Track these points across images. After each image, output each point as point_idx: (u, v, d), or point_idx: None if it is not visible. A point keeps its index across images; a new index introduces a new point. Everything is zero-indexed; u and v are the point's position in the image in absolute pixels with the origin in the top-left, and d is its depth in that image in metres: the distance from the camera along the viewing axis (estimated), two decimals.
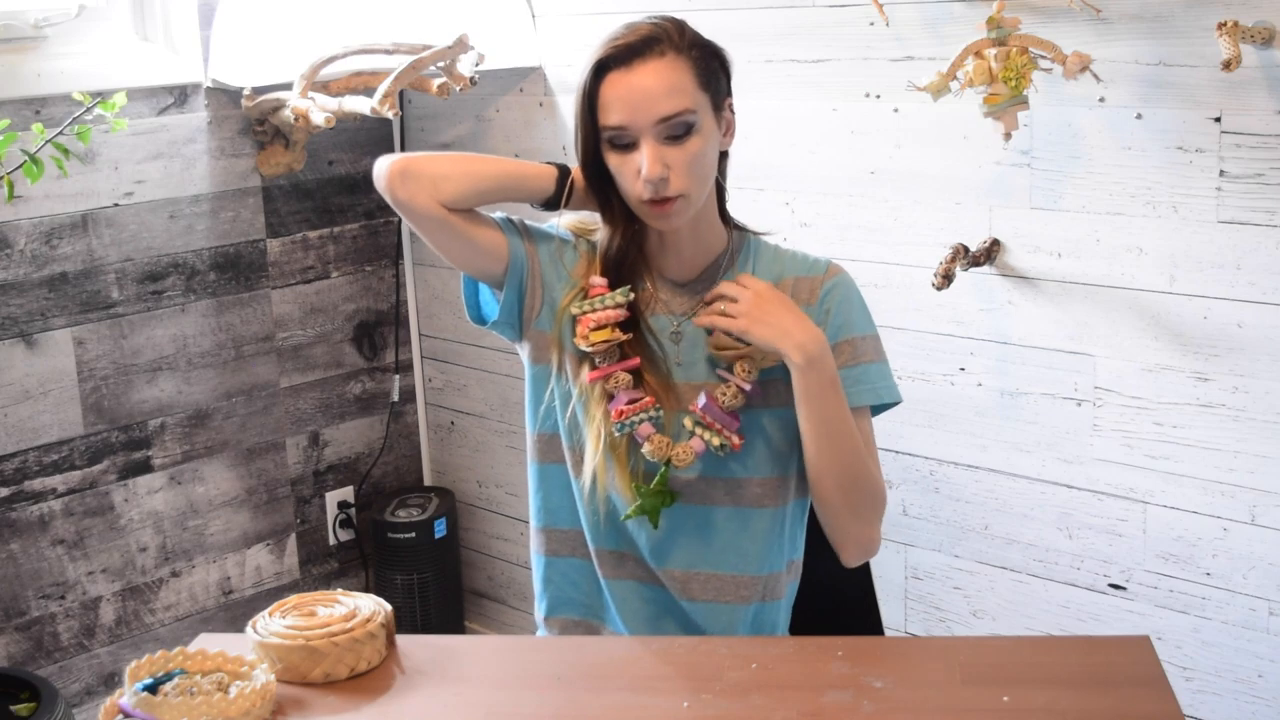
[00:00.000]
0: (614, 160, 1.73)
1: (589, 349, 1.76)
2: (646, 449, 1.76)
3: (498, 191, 1.80)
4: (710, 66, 1.74)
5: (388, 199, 1.79)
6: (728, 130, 1.79)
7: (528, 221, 1.88)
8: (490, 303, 1.88)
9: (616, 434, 1.76)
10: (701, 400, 1.75)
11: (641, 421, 1.76)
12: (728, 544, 1.82)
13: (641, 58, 1.69)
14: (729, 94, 1.78)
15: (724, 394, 1.75)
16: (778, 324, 1.70)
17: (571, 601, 1.89)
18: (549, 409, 1.84)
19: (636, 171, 1.70)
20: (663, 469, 1.77)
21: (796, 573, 1.89)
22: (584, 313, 1.77)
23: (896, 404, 1.82)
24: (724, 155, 1.82)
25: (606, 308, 1.76)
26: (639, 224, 1.79)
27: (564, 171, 1.82)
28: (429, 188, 1.76)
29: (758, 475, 1.80)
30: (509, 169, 1.84)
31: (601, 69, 1.70)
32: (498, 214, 1.87)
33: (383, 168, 1.78)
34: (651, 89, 1.68)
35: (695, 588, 1.82)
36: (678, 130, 1.70)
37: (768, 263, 1.83)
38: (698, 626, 1.83)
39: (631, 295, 1.78)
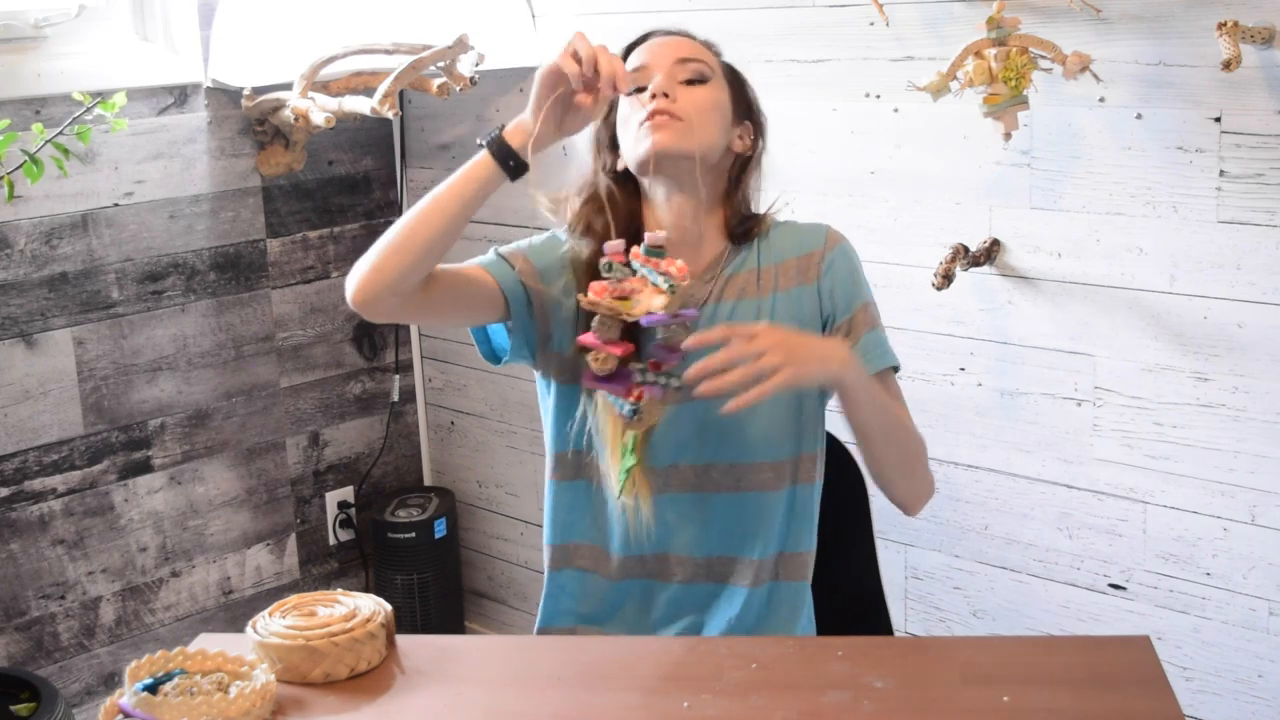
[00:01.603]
0: (625, 107, 1.80)
1: (602, 310, 1.62)
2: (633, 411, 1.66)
3: (451, 218, 1.68)
4: (738, 80, 1.88)
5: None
6: (742, 136, 1.86)
7: (519, 245, 1.86)
8: (499, 334, 1.88)
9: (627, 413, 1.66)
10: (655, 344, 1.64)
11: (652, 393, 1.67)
12: (733, 528, 1.83)
13: (680, 35, 1.84)
14: (749, 115, 1.87)
15: (666, 336, 1.63)
16: (815, 356, 1.64)
17: (571, 613, 1.90)
18: (579, 427, 1.83)
19: (645, 102, 1.76)
20: (634, 437, 1.71)
21: (809, 563, 1.89)
22: (616, 278, 1.62)
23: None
24: (746, 167, 1.87)
25: (635, 277, 1.63)
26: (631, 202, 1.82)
27: (495, 144, 1.68)
28: (394, 294, 1.68)
29: (755, 460, 1.81)
30: (442, 195, 1.69)
31: (641, 40, 1.85)
32: (485, 256, 1.84)
33: (349, 296, 1.72)
34: (679, 42, 1.83)
35: (723, 572, 1.84)
36: (693, 76, 1.80)
37: (767, 254, 1.85)
38: (714, 611, 1.84)
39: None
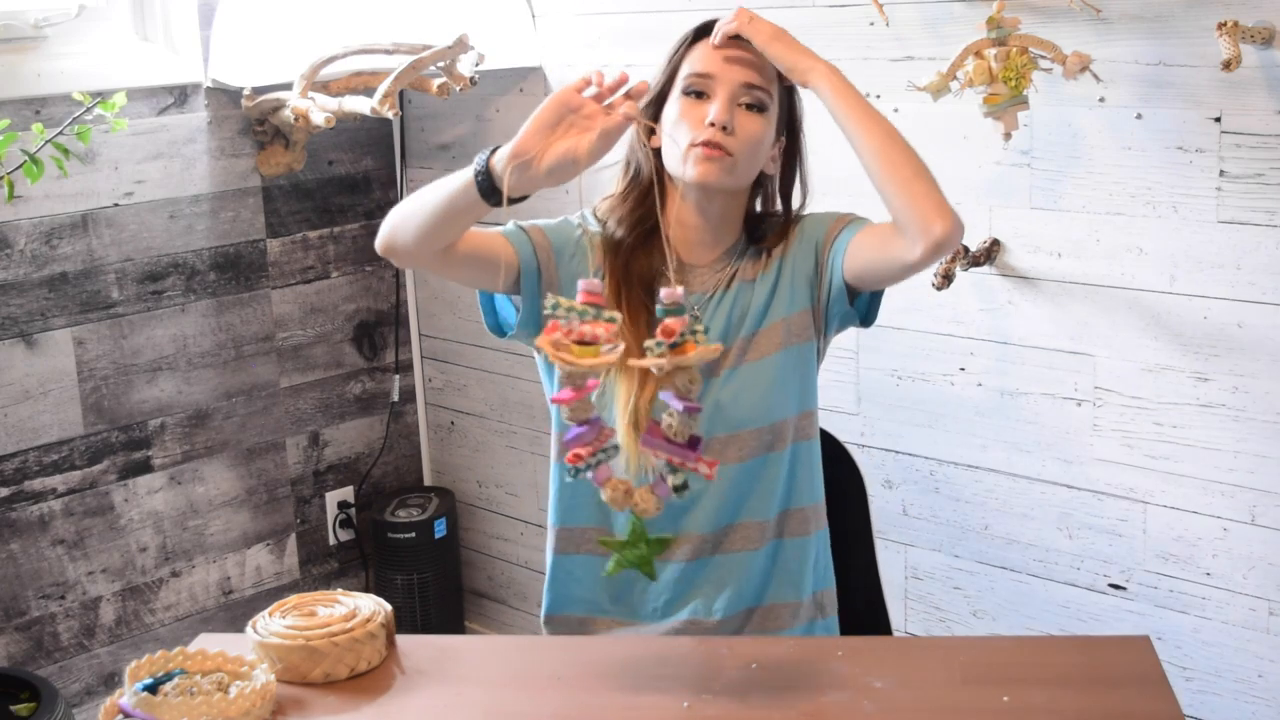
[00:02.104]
0: (679, 105, 1.78)
1: (566, 367, 1.43)
2: (605, 495, 1.50)
3: (443, 228, 1.69)
4: (789, 98, 1.86)
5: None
6: (774, 157, 1.87)
7: (537, 221, 1.88)
8: (506, 307, 1.89)
9: (569, 479, 1.51)
10: (644, 438, 1.49)
11: (598, 463, 1.49)
12: (739, 496, 1.84)
13: (746, 43, 1.79)
14: (786, 132, 1.87)
15: (670, 424, 1.48)
16: (782, 36, 1.77)
17: (579, 600, 1.90)
18: None
19: (700, 118, 1.76)
20: (633, 521, 1.54)
21: (820, 516, 1.91)
22: (571, 318, 1.44)
23: None
24: (767, 181, 1.89)
25: (600, 320, 1.44)
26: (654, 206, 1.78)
27: (480, 171, 1.63)
28: (409, 257, 1.76)
29: (752, 426, 1.83)
30: (433, 200, 1.69)
31: (704, 31, 1.81)
32: (505, 226, 1.85)
33: (376, 244, 1.78)
34: (746, 59, 1.78)
35: (729, 540, 1.85)
36: (754, 102, 1.78)
37: (768, 240, 1.89)
38: (724, 582, 1.85)
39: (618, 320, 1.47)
